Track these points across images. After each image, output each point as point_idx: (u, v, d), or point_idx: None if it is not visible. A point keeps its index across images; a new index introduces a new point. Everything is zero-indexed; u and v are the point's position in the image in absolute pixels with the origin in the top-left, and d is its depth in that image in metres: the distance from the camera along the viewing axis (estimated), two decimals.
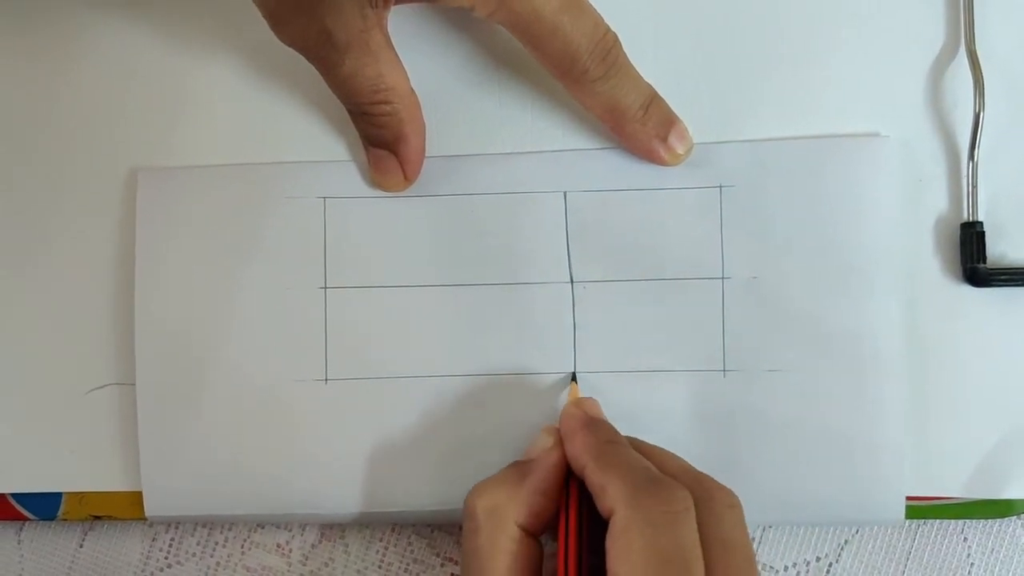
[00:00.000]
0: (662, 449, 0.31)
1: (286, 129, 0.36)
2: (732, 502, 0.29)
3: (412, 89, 0.34)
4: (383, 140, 0.34)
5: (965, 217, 0.34)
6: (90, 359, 0.36)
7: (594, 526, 0.29)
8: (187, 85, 0.36)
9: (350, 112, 0.34)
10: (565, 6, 0.31)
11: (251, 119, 0.36)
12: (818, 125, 0.35)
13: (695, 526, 0.27)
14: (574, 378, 0.34)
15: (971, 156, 0.34)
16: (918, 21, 0.35)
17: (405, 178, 0.35)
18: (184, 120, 0.36)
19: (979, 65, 0.34)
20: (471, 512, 0.30)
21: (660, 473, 0.28)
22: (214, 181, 0.36)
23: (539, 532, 0.30)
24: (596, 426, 0.31)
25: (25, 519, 0.36)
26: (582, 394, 0.34)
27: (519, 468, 0.31)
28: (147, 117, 0.37)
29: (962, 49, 0.35)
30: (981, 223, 0.34)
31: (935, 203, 0.35)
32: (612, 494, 0.27)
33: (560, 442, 0.31)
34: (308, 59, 0.32)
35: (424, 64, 0.35)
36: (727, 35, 0.35)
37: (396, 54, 0.33)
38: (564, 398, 0.34)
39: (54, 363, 0.36)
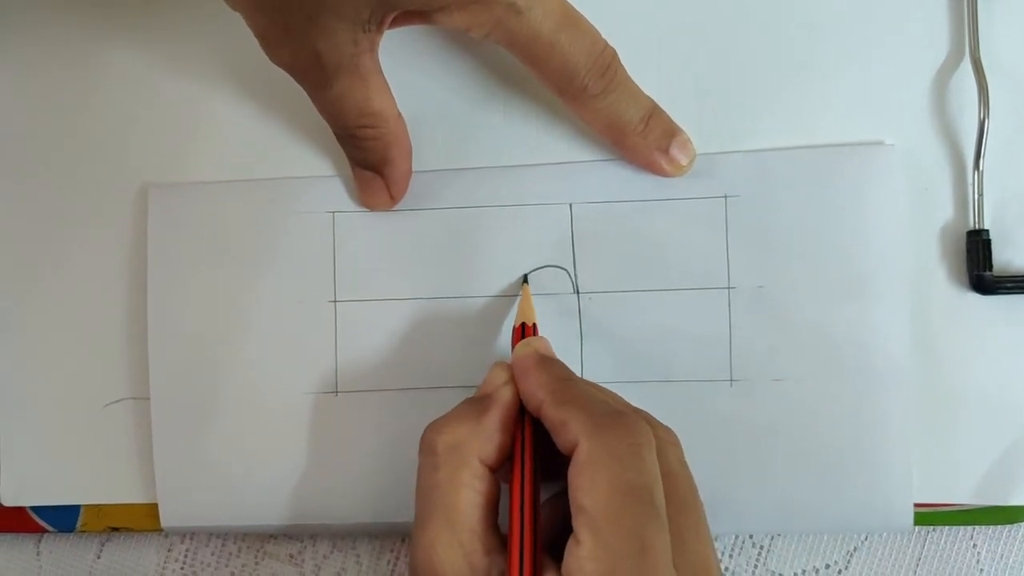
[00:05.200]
0: (607, 388, 0.31)
1: (295, 145, 0.36)
2: (674, 440, 0.29)
3: (399, 113, 0.34)
4: (369, 162, 0.34)
5: (971, 225, 0.34)
6: (106, 374, 0.37)
7: (546, 464, 0.29)
8: (198, 102, 0.37)
9: (336, 134, 0.34)
10: (562, 24, 0.31)
11: (260, 135, 0.37)
12: (823, 134, 0.35)
13: (656, 458, 0.27)
14: (526, 279, 0.35)
15: (976, 164, 0.34)
16: (922, 30, 0.35)
17: (391, 198, 0.35)
18: (195, 136, 0.37)
19: (983, 73, 0.34)
20: (430, 447, 0.29)
21: (619, 406, 0.28)
22: (224, 196, 0.36)
23: (498, 468, 0.29)
24: (549, 364, 0.30)
25: (44, 531, 0.37)
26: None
27: (476, 404, 0.30)
28: (158, 134, 0.37)
29: (967, 57, 0.34)
30: (987, 231, 0.34)
31: (941, 211, 0.35)
32: (574, 427, 0.27)
33: (513, 378, 0.30)
34: (297, 81, 0.32)
35: (429, 80, 0.36)
36: (731, 45, 0.35)
37: (384, 79, 0.33)
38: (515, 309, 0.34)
39: (71, 378, 0.37)
